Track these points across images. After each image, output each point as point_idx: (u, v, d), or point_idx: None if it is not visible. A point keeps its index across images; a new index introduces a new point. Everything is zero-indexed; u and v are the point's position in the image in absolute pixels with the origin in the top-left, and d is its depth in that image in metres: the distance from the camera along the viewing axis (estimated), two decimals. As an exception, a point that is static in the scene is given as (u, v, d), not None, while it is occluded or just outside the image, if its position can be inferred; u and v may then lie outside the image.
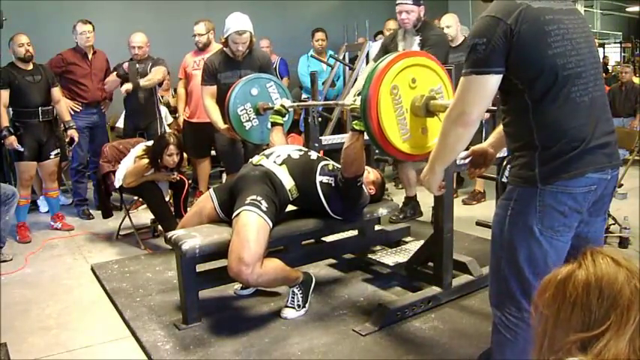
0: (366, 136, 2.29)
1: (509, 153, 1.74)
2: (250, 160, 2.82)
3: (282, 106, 3.16)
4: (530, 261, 1.57)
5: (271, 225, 2.45)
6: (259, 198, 2.47)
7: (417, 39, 3.62)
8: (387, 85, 2.07)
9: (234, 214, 2.45)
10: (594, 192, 1.56)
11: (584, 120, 1.53)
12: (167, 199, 3.88)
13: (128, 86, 4.46)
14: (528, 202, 1.55)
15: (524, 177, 1.57)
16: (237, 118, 3.37)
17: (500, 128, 1.93)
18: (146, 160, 3.60)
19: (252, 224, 2.38)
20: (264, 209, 2.44)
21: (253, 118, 3.41)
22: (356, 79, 4.48)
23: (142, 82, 4.48)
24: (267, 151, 2.82)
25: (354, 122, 2.44)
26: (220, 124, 3.60)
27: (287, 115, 3.27)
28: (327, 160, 2.82)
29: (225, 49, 3.67)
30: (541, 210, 1.54)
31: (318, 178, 2.67)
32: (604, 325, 0.79)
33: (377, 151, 3.77)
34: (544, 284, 0.87)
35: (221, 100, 3.58)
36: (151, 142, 3.77)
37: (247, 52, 3.65)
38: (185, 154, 3.92)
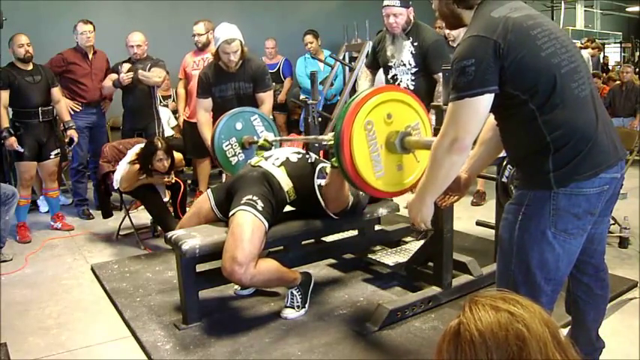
0: None
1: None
2: (249, 161, 2.82)
3: (266, 140, 3.12)
4: (543, 266, 1.55)
5: (267, 225, 2.45)
6: (255, 198, 2.47)
7: (408, 44, 3.41)
8: (360, 120, 2.03)
9: (230, 214, 2.45)
10: (607, 192, 1.56)
11: (591, 113, 1.53)
12: (166, 199, 3.88)
13: (129, 75, 4.44)
14: (541, 205, 1.53)
15: (537, 180, 1.55)
16: (222, 154, 3.28)
17: (473, 152, 1.91)
18: (137, 166, 3.59)
19: (247, 224, 2.37)
20: (260, 209, 2.44)
21: (239, 153, 3.32)
22: (356, 80, 4.46)
23: (141, 72, 4.45)
24: (265, 153, 2.82)
25: (332, 159, 2.37)
26: (210, 142, 3.43)
27: (272, 149, 3.17)
28: (324, 162, 2.82)
29: (219, 62, 3.60)
30: (554, 213, 1.52)
31: (317, 182, 2.68)
32: None
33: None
34: (438, 347, 0.85)
35: (216, 115, 3.50)
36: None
37: (240, 64, 3.58)
38: (180, 155, 3.91)
